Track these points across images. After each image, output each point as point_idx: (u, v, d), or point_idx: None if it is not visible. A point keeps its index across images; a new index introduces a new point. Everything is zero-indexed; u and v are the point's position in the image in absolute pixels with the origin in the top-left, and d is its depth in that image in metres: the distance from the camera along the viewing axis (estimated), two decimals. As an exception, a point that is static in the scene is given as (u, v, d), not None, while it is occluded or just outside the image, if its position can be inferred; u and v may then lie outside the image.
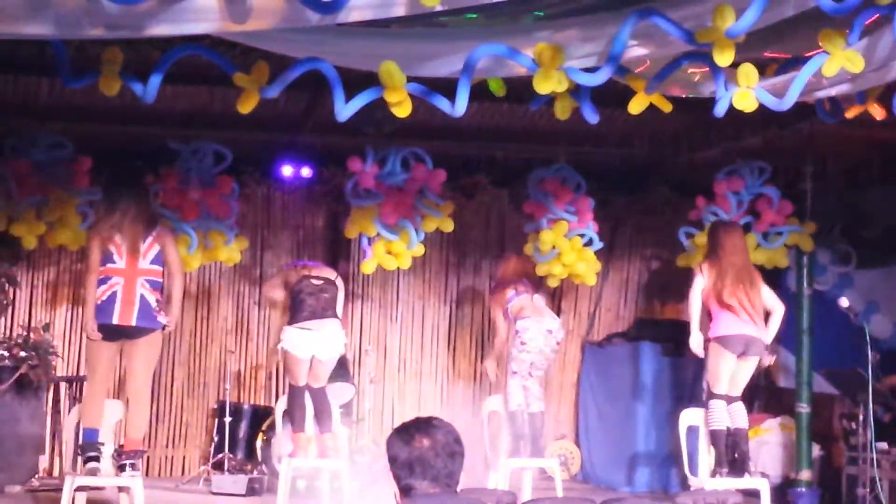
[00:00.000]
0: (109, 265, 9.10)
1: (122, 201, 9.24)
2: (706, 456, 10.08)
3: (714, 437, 9.95)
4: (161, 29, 6.01)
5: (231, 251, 11.00)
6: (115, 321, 9.03)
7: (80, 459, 9.07)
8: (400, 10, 6.17)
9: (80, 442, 9.18)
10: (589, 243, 11.34)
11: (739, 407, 10.01)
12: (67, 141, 10.41)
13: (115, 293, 9.07)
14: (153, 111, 7.83)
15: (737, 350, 9.90)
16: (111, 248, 9.12)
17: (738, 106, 7.20)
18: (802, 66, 7.13)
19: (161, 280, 9.27)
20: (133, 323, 9.05)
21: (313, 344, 9.89)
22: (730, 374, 9.96)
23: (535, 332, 10.55)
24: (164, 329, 9.24)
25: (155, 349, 9.35)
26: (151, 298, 9.11)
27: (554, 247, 11.16)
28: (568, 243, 11.26)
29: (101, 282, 9.12)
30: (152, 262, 9.18)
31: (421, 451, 4.17)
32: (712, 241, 10.13)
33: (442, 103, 7.02)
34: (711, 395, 10.04)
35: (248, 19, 5.98)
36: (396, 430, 4.25)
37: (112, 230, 9.13)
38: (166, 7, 5.85)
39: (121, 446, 9.16)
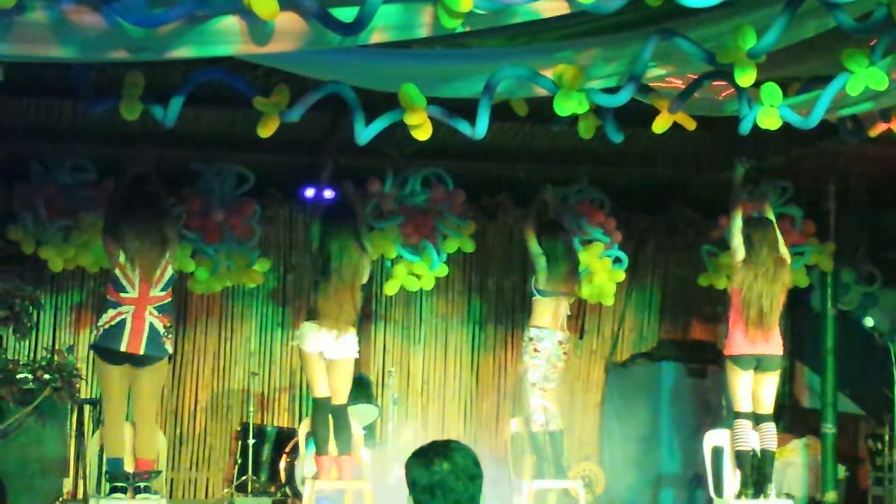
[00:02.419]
0: (122, 294, 9.16)
1: (137, 224, 9.24)
2: (732, 477, 10.04)
3: (739, 458, 9.92)
4: (183, 51, 6.01)
5: (254, 273, 11.03)
6: (122, 348, 9.10)
7: (106, 485, 9.17)
8: (422, 32, 6.17)
9: (107, 469, 9.27)
10: (616, 262, 11.40)
11: (769, 427, 9.98)
12: (90, 164, 10.49)
13: (124, 321, 9.12)
14: (176, 134, 7.85)
15: (748, 367, 9.88)
16: (122, 278, 9.17)
17: (763, 125, 7.18)
18: (826, 85, 7.12)
19: (169, 301, 9.31)
20: (141, 352, 9.12)
21: (322, 341, 9.84)
22: (748, 389, 9.93)
23: (549, 343, 10.55)
24: (170, 359, 9.32)
25: (161, 375, 9.51)
26: (160, 326, 9.16)
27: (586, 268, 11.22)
28: (600, 264, 11.30)
29: (111, 305, 9.19)
30: (163, 289, 9.23)
31: (441, 474, 4.16)
32: (746, 239, 10.07)
33: (463, 126, 7.03)
34: (736, 415, 10.01)
35: (269, 41, 5.98)
36: (415, 454, 4.24)
37: (127, 260, 9.17)
38: (188, 29, 5.86)
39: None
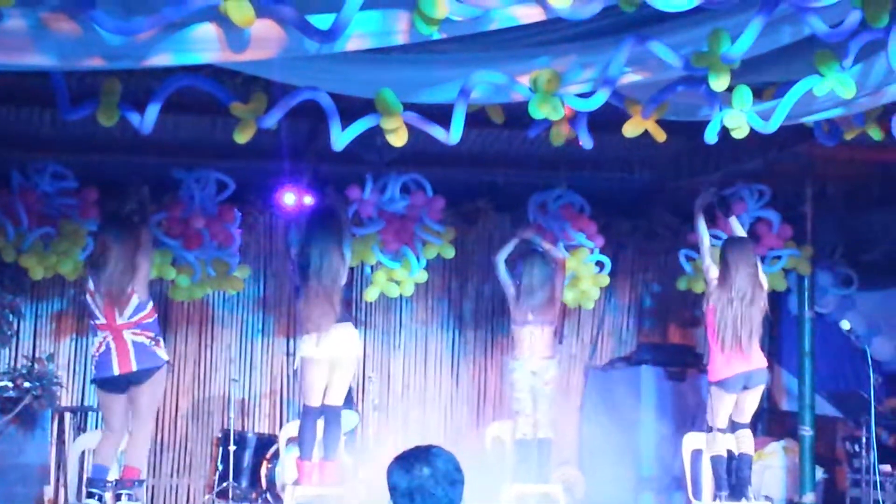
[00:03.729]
0: (96, 321, 9.24)
1: (112, 247, 9.24)
2: (709, 480, 10.09)
3: (713, 462, 9.97)
4: (161, 59, 6.03)
5: (234, 280, 11.05)
6: (116, 372, 9.12)
7: (84, 491, 9.18)
8: (399, 39, 6.19)
9: (89, 475, 9.29)
10: (598, 267, 11.48)
11: (746, 434, 10.03)
12: (69, 171, 10.50)
13: (109, 347, 9.15)
14: (155, 141, 7.87)
15: (737, 389, 9.91)
16: (92, 304, 9.24)
17: (729, 125, 7.22)
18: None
19: (148, 322, 9.29)
20: (134, 368, 9.12)
21: (314, 346, 9.88)
22: (729, 410, 9.98)
23: (521, 373, 10.61)
24: (167, 364, 9.37)
25: (161, 384, 9.46)
26: (144, 339, 9.16)
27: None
28: (585, 269, 11.37)
29: (94, 333, 9.34)
30: (131, 316, 9.22)
31: (421, 479, 4.18)
32: (722, 258, 10.08)
33: (437, 132, 7.06)
34: (712, 429, 10.06)
35: (247, 49, 6.00)
36: (396, 459, 4.26)
37: (96, 288, 9.19)
38: (166, 37, 5.88)
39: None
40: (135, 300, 9.15)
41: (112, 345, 9.12)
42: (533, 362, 10.64)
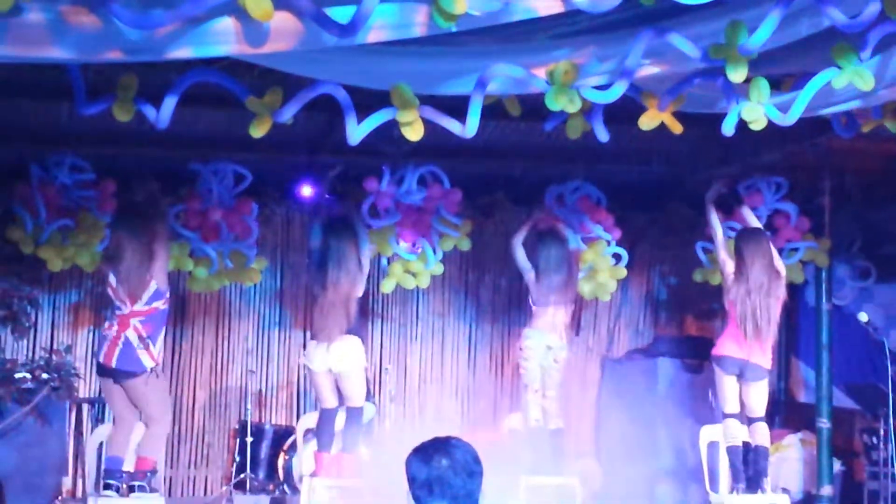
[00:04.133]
0: (116, 311, 9.30)
1: (127, 242, 9.28)
2: (726, 472, 10.08)
3: (730, 452, 9.97)
4: (180, 52, 6.04)
5: (252, 272, 11.07)
6: (101, 359, 9.29)
7: (101, 482, 9.23)
8: (417, 31, 6.19)
9: (104, 466, 9.34)
10: (616, 259, 11.49)
11: (761, 426, 10.02)
12: (87, 164, 10.53)
13: (107, 335, 9.28)
14: (173, 134, 7.87)
15: (732, 371, 9.91)
16: (110, 293, 9.33)
17: (747, 118, 7.21)
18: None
19: (156, 313, 9.33)
20: (113, 365, 9.18)
21: (322, 357, 9.95)
22: (735, 392, 9.97)
23: (536, 342, 10.61)
24: (151, 371, 9.28)
25: (148, 390, 9.33)
26: (134, 337, 9.17)
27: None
28: (603, 261, 11.37)
29: (108, 318, 9.43)
30: (147, 303, 9.27)
31: (440, 470, 4.18)
32: (736, 250, 10.08)
33: (453, 125, 7.07)
34: (725, 415, 10.06)
35: (265, 42, 6.01)
36: (415, 450, 4.26)
37: (118, 282, 9.25)
38: (185, 30, 5.89)
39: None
40: (153, 286, 9.20)
41: (113, 333, 9.22)
42: (550, 337, 10.65)
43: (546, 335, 10.65)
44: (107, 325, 9.41)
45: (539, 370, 10.64)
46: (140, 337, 9.18)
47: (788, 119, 7.28)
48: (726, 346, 9.95)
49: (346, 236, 10.06)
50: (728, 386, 9.96)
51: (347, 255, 9.97)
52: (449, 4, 5.86)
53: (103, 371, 9.35)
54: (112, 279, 9.26)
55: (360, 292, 10.12)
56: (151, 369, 9.25)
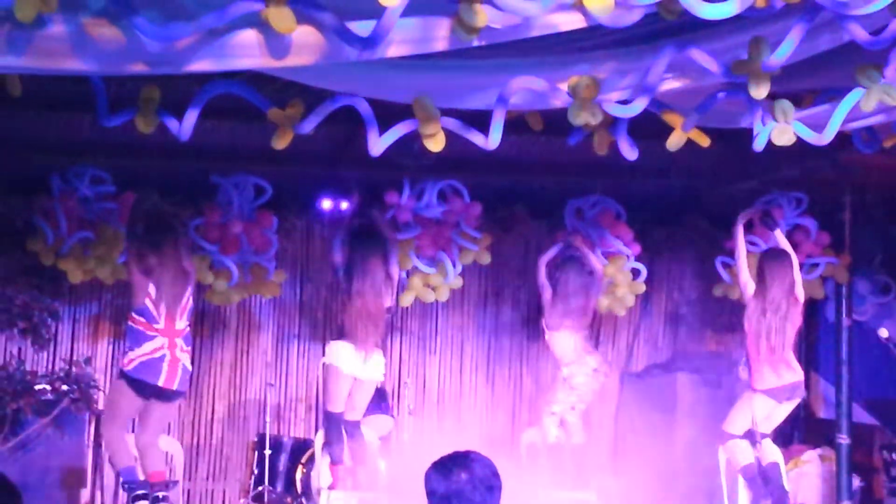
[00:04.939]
0: (155, 325, 9.26)
1: (160, 251, 9.33)
2: (744, 490, 10.05)
3: (745, 472, 9.95)
4: (202, 65, 6.05)
5: (271, 285, 11.08)
6: (159, 383, 9.24)
7: (127, 496, 9.25)
8: (439, 45, 6.18)
9: (123, 480, 9.35)
10: (635, 274, 11.48)
11: (769, 443, 10.01)
12: (107, 175, 10.56)
13: (163, 356, 9.28)
14: (194, 146, 7.89)
15: (782, 399, 9.90)
16: (149, 305, 9.26)
17: (777, 141, 7.21)
18: (839, 98, 7.14)
19: (189, 331, 9.56)
20: (175, 387, 9.25)
21: (354, 362, 9.97)
22: (756, 416, 9.96)
23: (582, 376, 10.62)
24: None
25: (175, 409, 9.68)
26: (187, 361, 9.32)
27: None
28: (622, 276, 11.36)
29: (145, 338, 9.31)
30: (187, 320, 9.44)
31: (459, 484, 4.18)
32: (759, 269, 10.08)
33: (476, 137, 7.08)
34: (730, 436, 10.04)
35: (287, 55, 6.02)
36: (434, 464, 4.25)
37: (157, 293, 9.27)
38: (206, 43, 5.90)
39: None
40: (190, 303, 9.33)
41: (168, 355, 9.25)
42: (590, 360, 10.68)
43: (585, 361, 10.67)
44: (148, 347, 9.33)
45: (579, 396, 10.69)
46: (190, 358, 9.42)
47: (823, 138, 7.27)
48: (768, 378, 9.89)
49: (371, 245, 10.08)
50: (761, 412, 9.94)
51: (373, 265, 10.00)
52: (470, 17, 5.86)
53: (160, 394, 9.36)
54: (152, 290, 9.30)
55: (387, 301, 10.14)
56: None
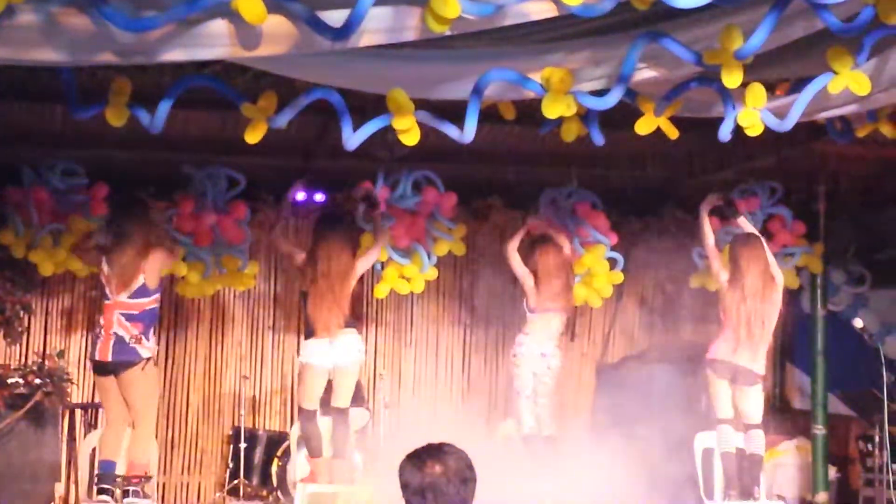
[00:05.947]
0: (105, 301, 9.46)
1: (124, 230, 9.39)
2: (720, 479, 10.06)
3: (723, 459, 9.96)
4: (173, 55, 6.02)
5: (245, 276, 11.03)
6: (97, 357, 9.41)
7: (95, 488, 9.22)
8: (410, 35, 6.17)
9: (97, 471, 9.33)
10: (612, 264, 11.47)
11: (757, 434, 9.99)
12: (80, 167, 10.50)
13: (101, 330, 9.43)
14: (166, 137, 7.84)
15: (723, 375, 9.88)
16: (104, 283, 9.31)
17: (743, 124, 7.20)
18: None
19: (143, 312, 9.47)
20: (109, 359, 9.22)
21: (320, 352, 9.93)
22: (728, 397, 9.94)
23: (529, 349, 10.57)
24: (147, 360, 9.46)
25: (145, 381, 9.53)
26: (125, 334, 9.24)
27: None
28: (600, 266, 11.34)
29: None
30: (131, 297, 9.34)
31: (433, 477, 4.17)
32: (732, 256, 10.06)
33: (451, 130, 7.05)
34: (719, 420, 10.04)
35: (258, 45, 5.99)
36: (409, 457, 4.24)
37: (109, 267, 9.28)
38: (178, 33, 5.87)
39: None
40: (140, 279, 9.29)
41: (103, 330, 9.36)
42: (545, 344, 10.61)
43: (540, 342, 10.61)
44: (99, 323, 9.49)
45: (531, 377, 10.60)
46: (130, 334, 9.31)
47: (785, 125, 7.26)
48: (719, 350, 9.92)
49: (336, 228, 10.03)
50: (720, 390, 9.94)
51: (339, 246, 9.93)
52: (441, 8, 5.83)
53: (101, 369, 9.45)
54: (105, 266, 9.42)
55: (351, 284, 10.04)
56: (148, 358, 9.44)
